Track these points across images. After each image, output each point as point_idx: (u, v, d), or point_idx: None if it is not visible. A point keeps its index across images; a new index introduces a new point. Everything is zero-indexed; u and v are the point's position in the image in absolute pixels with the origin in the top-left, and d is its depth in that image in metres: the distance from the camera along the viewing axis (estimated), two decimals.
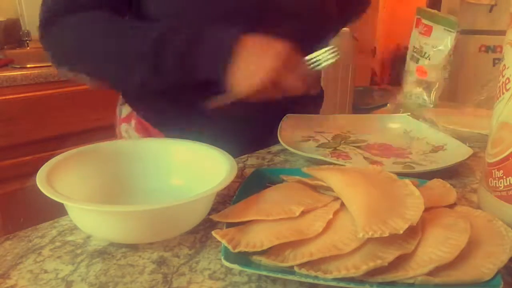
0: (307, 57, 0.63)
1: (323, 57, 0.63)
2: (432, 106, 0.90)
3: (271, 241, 0.37)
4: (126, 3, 0.69)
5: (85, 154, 0.49)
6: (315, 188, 0.47)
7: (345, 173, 0.46)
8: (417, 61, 0.91)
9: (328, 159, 0.59)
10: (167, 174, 0.52)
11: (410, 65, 0.92)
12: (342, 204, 0.42)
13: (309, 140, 0.71)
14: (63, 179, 0.43)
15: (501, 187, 0.44)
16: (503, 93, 0.44)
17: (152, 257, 0.40)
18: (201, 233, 0.44)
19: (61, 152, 0.47)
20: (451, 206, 0.45)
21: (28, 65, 1.44)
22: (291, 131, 0.72)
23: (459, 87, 2.17)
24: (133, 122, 0.80)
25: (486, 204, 0.47)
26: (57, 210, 0.46)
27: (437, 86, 0.90)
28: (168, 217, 0.40)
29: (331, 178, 0.45)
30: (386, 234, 0.34)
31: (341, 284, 0.33)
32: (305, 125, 0.75)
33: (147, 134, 0.78)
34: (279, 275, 0.35)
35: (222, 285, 0.36)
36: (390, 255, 0.35)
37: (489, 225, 0.41)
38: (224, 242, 0.37)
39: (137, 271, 0.38)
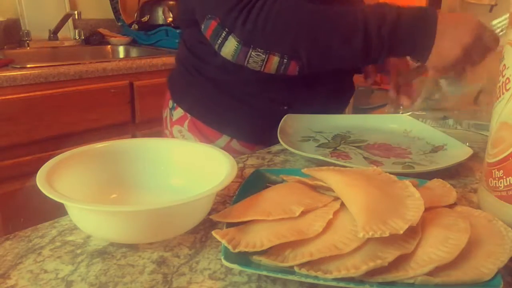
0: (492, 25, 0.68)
1: (502, 24, 0.67)
2: (432, 106, 0.90)
3: (271, 241, 0.37)
4: None
5: (85, 154, 0.49)
6: (315, 188, 0.47)
7: (345, 174, 0.46)
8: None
9: (328, 159, 0.59)
10: (167, 174, 0.52)
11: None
12: (342, 204, 0.42)
13: (309, 140, 0.71)
14: (63, 179, 0.43)
15: (501, 187, 0.44)
16: (503, 93, 0.44)
17: (152, 257, 0.40)
18: (201, 233, 0.44)
19: (61, 152, 0.47)
20: (451, 206, 0.45)
21: (28, 65, 1.43)
22: (291, 131, 0.72)
23: None
24: (186, 123, 0.84)
25: (486, 204, 0.47)
26: (57, 210, 0.46)
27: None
28: (168, 217, 0.40)
29: (331, 178, 0.45)
30: (386, 234, 0.34)
31: (341, 284, 0.33)
32: (305, 125, 0.75)
33: (199, 133, 0.83)
34: (279, 275, 0.35)
35: (222, 285, 0.36)
36: (390, 255, 0.35)
37: (489, 225, 0.41)
38: (224, 242, 0.37)
39: (137, 271, 0.38)
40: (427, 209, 0.40)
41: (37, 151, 1.42)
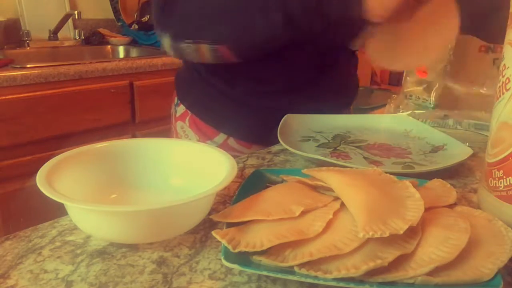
0: None
1: None
2: (432, 106, 0.90)
3: (271, 241, 0.37)
4: None
5: (85, 154, 0.49)
6: (315, 188, 0.47)
7: (345, 174, 0.46)
8: None
9: (328, 159, 0.59)
10: (167, 174, 0.52)
11: None
12: (342, 204, 0.42)
13: (309, 140, 0.71)
14: (63, 179, 0.43)
15: (501, 187, 0.44)
16: (503, 93, 0.44)
17: (152, 257, 0.40)
18: (201, 233, 0.44)
19: (61, 152, 0.47)
20: (451, 206, 0.45)
21: (28, 65, 1.43)
22: (291, 131, 0.72)
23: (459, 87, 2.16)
24: (187, 120, 0.86)
25: (486, 204, 0.47)
26: (57, 210, 0.46)
27: (437, 86, 0.90)
28: (168, 217, 0.40)
29: (331, 178, 0.45)
30: (387, 235, 0.34)
31: (341, 284, 0.33)
32: (305, 125, 0.75)
33: (198, 130, 0.85)
34: (279, 275, 0.35)
35: (222, 285, 0.36)
36: (390, 255, 0.35)
37: (489, 225, 0.41)
38: (224, 242, 0.37)
39: (137, 271, 0.38)
40: (427, 209, 0.40)
41: (37, 151, 1.42)
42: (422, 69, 0.90)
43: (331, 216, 0.40)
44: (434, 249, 0.36)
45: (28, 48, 1.84)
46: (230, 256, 0.36)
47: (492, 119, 0.47)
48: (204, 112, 0.84)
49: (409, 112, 0.93)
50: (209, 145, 0.52)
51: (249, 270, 0.36)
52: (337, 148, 0.68)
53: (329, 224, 0.39)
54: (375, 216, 0.37)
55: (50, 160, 0.45)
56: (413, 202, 0.40)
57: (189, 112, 0.85)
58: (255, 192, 0.46)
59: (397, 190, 0.43)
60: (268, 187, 0.48)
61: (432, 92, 0.90)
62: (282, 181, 0.51)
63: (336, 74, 0.84)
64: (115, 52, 2.06)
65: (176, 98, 0.90)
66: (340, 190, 0.43)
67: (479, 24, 0.72)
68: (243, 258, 0.37)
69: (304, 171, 0.49)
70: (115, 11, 2.13)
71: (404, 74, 0.95)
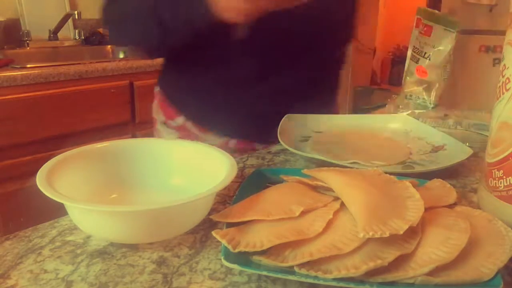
0: None
1: None
2: (432, 106, 0.90)
3: (271, 241, 0.37)
4: None
5: (85, 154, 0.49)
6: (315, 188, 0.47)
7: (345, 174, 0.46)
8: (417, 61, 0.91)
9: (328, 159, 0.59)
10: (167, 174, 0.52)
11: (410, 65, 0.92)
12: (342, 204, 0.42)
13: (308, 140, 0.71)
14: (63, 179, 0.43)
15: (501, 187, 0.44)
16: (503, 93, 0.44)
17: (152, 257, 0.40)
18: (201, 233, 0.44)
19: (61, 152, 0.47)
20: (451, 206, 0.45)
21: (28, 65, 1.43)
22: (291, 131, 0.72)
23: (459, 87, 2.17)
24: (155, 101, 0.88)
25: (486, 204, 0.47)
26: (57, 210, 0.46)
27: (437, 86, 0.90)
28: (168, 217, 0.40)
29: (331, 178, 0.45)
30: (387, 235, 0.34)
31: (341, 284, 0.33)
32: (304, 125, 0.75)
33: (164, 110, 0.86)
34: (279, 275, 0.35)
35: (222, 285, 0.36)
36: (390, 255, 0.35)
37: (489, 225, 0.41)
38: (224, 242, 0.37)
39: (137, 271, 0.38)
40: (427, 209, 0.40)
41: (37, 151, 1.42)
42: (422, 69, 0.90)
43: (331, 216, 0.40)
44: (434, 249, 0.36)
45: (28, 48, 1.84)
46: (230, 256, 0.36)
47: (492, 119, 0.47)
48: (171, 90, 0.85)
49: (409, 112, 0.93)
50: (209, 145, 0.52)
51: (249, 270, 0.36)
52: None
53: (329, 224, 0.39)
54: (375, 216, 0.37)
55: (50, 160, 0.45)
56: (413, 202, 0.40)
57: (160, 89, 0.87)
58: (255, 192, 0.46)
59: (397, 190, 0.43)
60: (268, 187, 0.48)
61: (432, 92, 0.90)
62: (282, 181, 0.51)
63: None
64: (115, 52, 2.06)
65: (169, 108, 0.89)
66: (340, 190, 0.43)
67: None
68: (243, 258, 0.37)
69: (304, 171, 0.49)
70: None
71: (404, 74, 0.95)
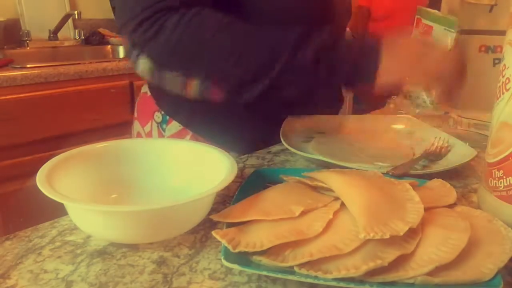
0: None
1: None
2: (431, 106, 0.90)
3: (271, 241, 0.37)
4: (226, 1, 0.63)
5: (85, 154, 0.49)
6: (315, 188, 0.47)
7: (345, 175, 0.46)
8: None
9: (328, 159, 0.59)
10: (167, 174, 0.52)
11: None
12: (342, 204, 0.42)
13: (311, 141, 0.71)
14: (63, 179, 0.43)
15: (501, 187, 0.44)
16: (503, 93, 0.44)
17: (152, 257, 0.40)
18: (201, 233, 0.44)
19: (61, 152, 0.47)
20: (451, 206, 0.45)
21: (28, 65, 1.43)
22: (293, 131, 0.72)
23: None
24: (187, 138, 0.75)
25: (486, 204, 0.47)
26: (57, 210, 0.46)
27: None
28: (168, 217, 0.40)
29: (331, 179, 0.45)
30: (387, 236, 0.34)
31: (341, 284, 0.33)
32: (306, 126, 0.75)
33: None
34: (279, 275, 0.35)
35: (222, 285, 0.36)
36: (390, 255, 0.35)
37: (489, 225, 0.41)
38: (224, 242, 0.37)
39: (137, 271, 0.38)
40: (427, 209, 0.40)
41: (37, 151, 1.42)
42: None
43: (331, 216, 0.40)
44: (434, 249, 0.36)
45: (28, 48, 1.84)
46: (230, 256, 0.36)
47: (492, 119, 0.47)
48: (206, 128, 0.74)
49: (409, 111, 0.93)
50: (209, 145, 0.52)
51: (249, 270, 0.36)
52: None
53: (329, 224, 0.39)
54: (375, 217, 0.37)
55: (50, 160, 0.45)
56: (412, 205, 0.40)
57: (189, 130, 0.74)
58: (255, 192, 0.46)
59: (397, 192, 0.43)
60: (268, 187, 0.48)
61: (432, 91, 0.90)
62: (282, 181, 0.51)
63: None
64: (115, 52, 2.06)
65: (159, 114, 0.77)
66: (340, 190, 0.43)
67: None
68: (243, 258, 0.37)
69: (305, 174, 0.49)
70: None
71: None
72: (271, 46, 0.60)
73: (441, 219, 0.40)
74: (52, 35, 1.92)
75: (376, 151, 0.67)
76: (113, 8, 0.68)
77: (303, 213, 0.40)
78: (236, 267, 0.35)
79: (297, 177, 0.49)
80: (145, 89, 0.83)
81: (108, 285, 0.36)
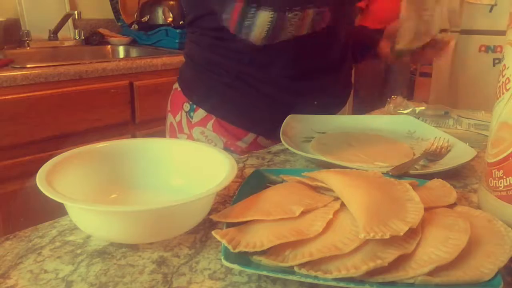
0: None
1: None
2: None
3: (271, 241, 0.37)
4: None
5: (85, 154, 0.49)
6: (315, 188, 0.47)
7: (345, 175, 0.46)
8: None
9: (328, 160, 0.59)
10: (167, 174, 0.52)
11: None
12: (342, 204, 0.42)
13: (311, 140, 0.71)
14: (63, 179, 0.43)
15: (501, 187, 0.44)
16: (503, 93, 0.44)
17: (152, 257, 0.40)
18: (201, 233, 0.44)
19: (61, 152, 0.47)
20: (451, 206, 0.45)
21: (28, 65, 1.43)
22: (293, 131, 0.72)
23: (459, 87, 2.17)
24: (210, 124, 0.83)
25: (486, 204, 0.47)
26: (57, 210, 0.46)
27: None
28: (168, 217, 0.40)
29: (331, 179, 0.45)
30: (387, 236, 0.34)
31: (341, 284, 0.33)
32: (307, 126, 0.75)
33: (226, 132, 0.83)
34: (279, 275, 0.35)
35: (222, 285, 0.36)
36: (390, 255, 0.35)
37: (489, 225, 0.41)
38: (224, 242, 0.37)
39: (137, 271, 0.38)
40: (427, 209, 0.40)
41: (37, 151, 1.42)
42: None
43: (331, 216, 0.40)
44: (434, 249, 0.36)
45: (28, 48, 1.83)
46: (230, 256, 0.36)
47: (492, 119, 0.47)
48: (231, 113, 0.82)
49: (409, 110, 0.93)
50: (209, 145, 0.52)
51: (249, 270, 0.36)
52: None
53: (329, 224, 0.39)
54: (376, 217, 0.37)
55: (50, 160, 0.45)
56: (412, 205, 0.40)
57: (213, 116, 0.82)
58: (255, 192, 0.46)
59: (397, 192, 0.43)
60: (268, 187, 0.48)
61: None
62: (282, 181, 0.51)
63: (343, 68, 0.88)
64: (115, 52, 2.06)
65: (187, 104, 0.86)
66: (340, 190, 0.43)
67: None
68: (243, 258, 0.37)
69: (305, 174, 0.49)
70: (115, 11, 2.13)
71: None
72: None
73: (441, 219, 0.40)
74: (52, 35, 1.92)
75: (376, 151, 0.67)
76: None
77: (303, 213, 0.40)
78: (236, 267, 0.35)
79: (297, 177, 0.49)
80: (176, 85, 0.90)
81: (108, 285, 0.36)
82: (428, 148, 0.65)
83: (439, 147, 0.66)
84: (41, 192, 0.38)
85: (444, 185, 0.49)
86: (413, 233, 0.37)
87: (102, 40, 2.05)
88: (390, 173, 0.53)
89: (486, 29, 2.08)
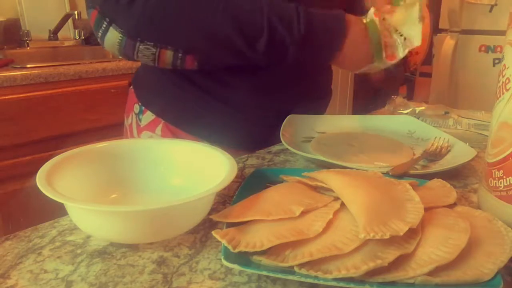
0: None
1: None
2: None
3: (271, 241, 0.37)
4: None
5: (85, 154, 0.49)
6: (315, 188, 0.47)
7: (345, 175, 0.46)
8: None
9: (328, 159, 0.59)
10: (167, 174, 0.52)
11: None
12: (342, 204, 0.42)
13: (311, 140, 0.71)
14: (63, 179, 0.43)
15: (501, 187, 0.44)
16: (503, 93, 0.44)
17: (152, 257, 0.40)
18: (201, 233, 0.44)
19: (61, 152, 0.47)
20: (451, 206, 0.45)
21: (28, 65, 1.43)
22: (293, 131, 0.72)
23: (459, 87, 2.17)
24: (158, 128, 0.76)
25: (486, 204, 0.47)
26: (57, 210, 0.46)
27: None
28: (168, 217, 0.40)
29: (331, 179, 0.45)
30: (387, 236, 0.34)
31: (341, 284, 0.33)
32: (307, 126, 0.75)
33: (174, 137, 0.75)
34: (279, 275, 0.35)
35: (222, 285, 0.36)
36: (390, 255, 0.35)
37: (489, 225, 0.41)
38: (224, 242, 0.37)
39: (137, 271, 0.38)
40: (427, 209, 0.40)
41: (37, 151, 1.42)
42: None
43: (331, 216, 0.40)
44: (434, 249, 0.36)
45: (28, 48, 1.84)
46: (230, 256, 0.36)
47: (492, 119, 0.47)
48: (179, 117, 0.74)
49: (409, 110, 0.93)
50: (209, 145, 0.52)
51: (249, 270, 0.36)
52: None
53: (329, 224, 0.39)
54: (375, 217, 0.37)
55: (50, 160, 0.45)
56: (412, 205, 0.40)
57: (161, 119, 0.75)
58: (255, 192, 0.46)
59: (397, 192, 0.43)
60: (268, 187, 0.48)
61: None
62: (282, 181, 0.51)
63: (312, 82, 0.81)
64: None
65: (137, 105, 0.78)
66: (340, 190, 0.43)
67: None
68: (243, 258, 0.37)
69: (305, 174, 0.49)
70: None
71: None
72: (249, 21, 0.58)
73: (441, 219, 0.40)
74: (52, 35, 1.92)
75: (376, 151, 0.67)
76: None
77: (303, 213, 0.40)
78: (236, 267, 0.35)
79: (297, 177, 0.49)
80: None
81: (108, 285, 0.36)
82: (428, 148, 0.65)
83: (439, 147, 0.66)
84: (41, 192, 0.38)
85: (444, 185, 0.49)
86: (413, 233, 0.37)
87: None
88: (390, 173, 0.53)
89: (486, 29, 2.08)
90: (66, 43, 1.96)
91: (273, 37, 0.58)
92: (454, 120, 0.88)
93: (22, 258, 0.40)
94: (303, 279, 0.34)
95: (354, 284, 0.33)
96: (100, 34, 0.60)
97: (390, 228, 0.36)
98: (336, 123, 0.78)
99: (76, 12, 1.86)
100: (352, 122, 0.79)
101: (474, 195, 0.53)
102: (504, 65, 0.44)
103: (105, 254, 0.41)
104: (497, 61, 2.07)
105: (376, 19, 0.62)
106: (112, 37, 0.59)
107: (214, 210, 0.47)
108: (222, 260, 0.35)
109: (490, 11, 2.05)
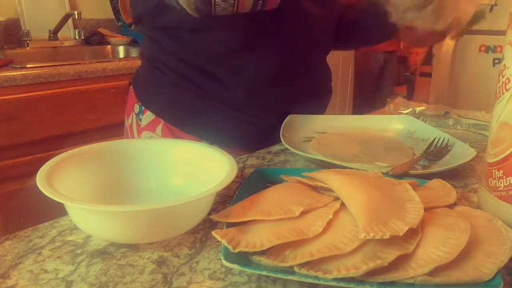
0: None
1: None
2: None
3: (271, 241, 0.37)
4: None
5: (85, 154, 0.49)
6: (315, 188, 0.47)
7: (345, 175, 0.46)
8: None
9: (328, 159, 0.59)
10: (167, 174, 0.52)
11: None
12: (342, 204, 0.42)
13: (311, 140, 0.71)
14: (63, 179, 0.43)
15: (501, 187, 0.44)
16: (503, 93, 0.44)
17: (152, 257, 0.40)
18: (201, 233, 0.44)
19: (61, 152, 0.47)
20: (451, 206, 0.45)
21: (28, 65, 1.43)
22: (293, 131, 0.72)
23: (459, 87, 2.17)
24: (159, 128, 0.76)
25: (486, 204, 0.47)
26: (57, 210, 0.46)
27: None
28: (168, 217, 0.40)
29: (331, 179, 0.45)
30: (387, 236, 0.34)
31: (341, 284, 0.33)
32: (307, 126, 0.75)
33: (174, 138, 0.75)
34: (279, 275, 0.35)
35: (222, 285, 0.36)
36: (390, 255, 0.35)
37: (489, 225, 0.41)
38: (224, 242, 0.37)
39: (137, 271, 0.38)
40: (427, 209, 0.40)
41: (37, 151, 1.42)
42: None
43: (331, 216, 0.40)
44: (434, 249, 0.36)
45: (28, 48, 1.84)
46: (230, 256, 0.36)
47: (492, 119, 0.47)
48: (179, 117, 0.74)
49: (409, 110, 0.93)
50: (209, 145, 0.52)
51: (249, 270, 0.36)
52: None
53: (329, 224, 0.39)
54: (375, 217, 0.37)
55: (50, 160, 0.45)
56: (412, 205, 0.40)
57: (161, 119, 0.75)
58: (255, 192, 0.46)
59: (397, 192, 0.43)
60: (268, 187, 0.48)
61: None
62: (282, 181, 0.51)
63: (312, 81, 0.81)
64: (115, 52, 2.06)
65: (137, 105, 0.78)
66: (340, 190, 0.43)
67: None
68: (243, 258, 0.37)
69: (305, 174, 0.49)
70: (115, 11, 2.13)
71: None
72: None
73: (441, 219, 0.40)
74: (52, 35, 1.92)
75: (376, 151, 0.67)
76: None
77: (303, 213, 0.40)
78: (236, 267, 0.35)
79: (297, 177, 0.49)
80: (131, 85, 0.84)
81: (108, 285, 0.36)
82: (428, 148, 0.65)
83: (439, 147, 0.66)
84: (41, 192, 0.38)
85: (444, 185, 0.49)
86: (413, 233, 0.37)
87: (102, 40, 2.06)
88: (390, 173, 0.53)
89: (486, 29, 2.08)
90: (66, 43, 1.96)
91: None
92: (454, 120, 0.88)
93: (22, 258, 0.40)
94: (303, 279, 0.34)
95: (354, 284, 0.33)
96: None
97: (390, 228, 0.36)
98: (336, 123, 0.78)
99: (76, 12, 1.86)
100: (352, 122, 0.79)
101: (474, 195, 0.53)
102: (504, 65, 0.44)
103: (105, 254, 0.41)
104: (497, 61, 2.06)
105: None
106: None
107: (214, 210, 0.47)
108: (222, 260, 0.35)
109: (490, 11, 2.05)
